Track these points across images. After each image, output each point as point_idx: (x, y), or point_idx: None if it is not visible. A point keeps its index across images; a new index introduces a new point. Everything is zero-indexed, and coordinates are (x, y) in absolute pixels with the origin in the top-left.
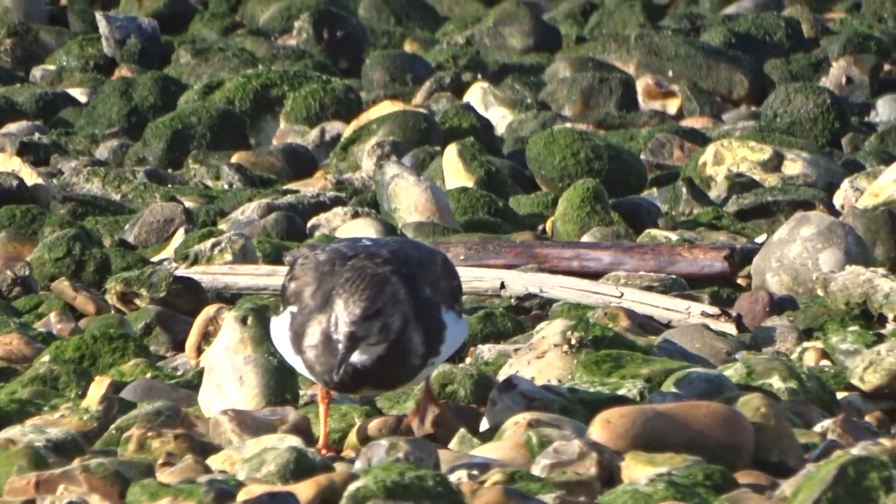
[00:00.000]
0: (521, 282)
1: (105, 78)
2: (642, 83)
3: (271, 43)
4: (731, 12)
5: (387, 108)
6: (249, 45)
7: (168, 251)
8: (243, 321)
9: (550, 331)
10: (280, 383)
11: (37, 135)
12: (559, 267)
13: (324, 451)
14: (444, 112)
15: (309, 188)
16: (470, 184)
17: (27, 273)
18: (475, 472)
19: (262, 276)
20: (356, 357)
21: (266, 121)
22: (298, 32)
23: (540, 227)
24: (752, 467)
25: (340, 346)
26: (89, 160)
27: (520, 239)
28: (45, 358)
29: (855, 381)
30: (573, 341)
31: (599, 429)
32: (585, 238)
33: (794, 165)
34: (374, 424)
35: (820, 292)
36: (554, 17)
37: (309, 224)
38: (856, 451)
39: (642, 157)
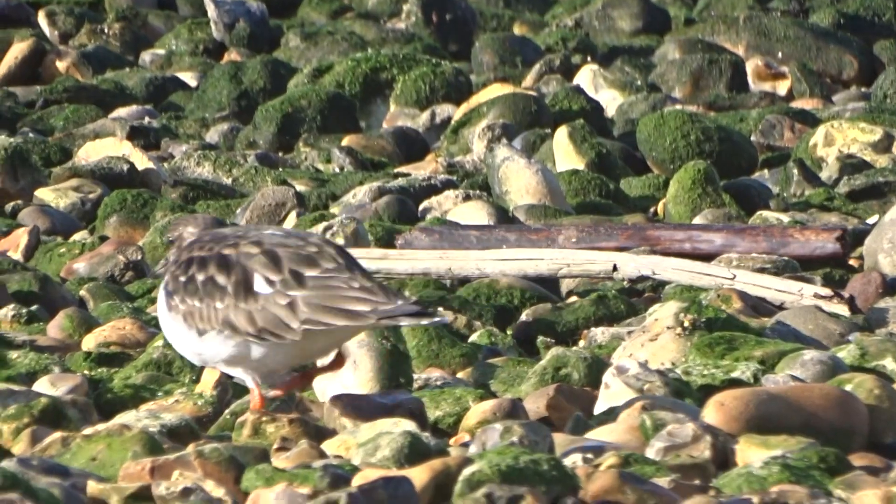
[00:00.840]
0: (634, 264)
1: (214, 62)
2: (752, 64)
3: (380, 26)
4: None
5: (497, 90)
6: (358, 29)
7: None
8: None
9: (663, 313)
10: (394, 367)
11: (147, 119)
12: (671, 249)
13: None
14: (553, 94)
15: (420, 171)
16: (581, 166)
17: (139, 257)
18: (589, 456)
19: (375, 260)
20: None
21: (376, 104)
22: (407, 15)
23: (651, 210)
24: (866, 449)
25: None
26: (200, 144)
27: (631, 221)
28: (159, 343)
29: None
30: (686, 324)
31: (713, 411)
32: (697, 220)
33: None
34: (487, 407)
35: None
36: (663, 0)
37: (420, 207)
38: None
39: (753, 138)
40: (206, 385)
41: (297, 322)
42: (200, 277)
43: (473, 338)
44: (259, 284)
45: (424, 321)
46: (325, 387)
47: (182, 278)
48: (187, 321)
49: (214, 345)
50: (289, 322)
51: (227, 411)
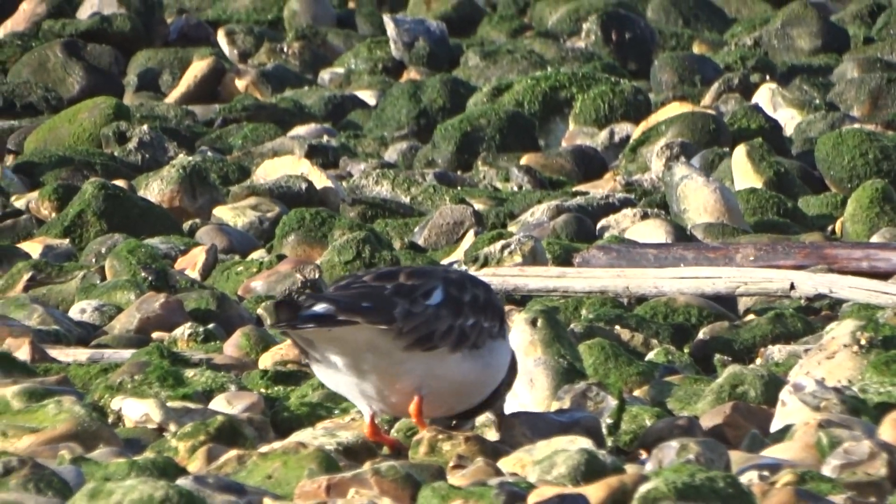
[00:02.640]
0: (811, 282)
1: (393, 80)
2: None
3: (560, 45)
4: None
5: (675, 109)
6: (538, 47)
7: (458, 253)
8: (533, 323)
9: (840, 331)
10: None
11: (325, 137)
12: (849, 267)
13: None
14: (732, 113)
15: (598, 189)
16: (759, 185)
17: (317, 276)
18: (766, 473)
19: (552, 278)
20: None
21: (555, 122)
22: (587, 34)
23: (829, 228)
24: None
25: None
26: (378, 163)
27: (809, 239)
28: None
29: None
30: (863, 342)
31: (890, 429)
32: (875, 238)
33: None
34: (663, 425)
35: None
36: (842, 18)
37: (598, 225)
38: None
39: None
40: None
41: None
42: None
43: (650, 356)
44: None
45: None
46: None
47: None
48: None
49: None
50: None
51: (396, 428)
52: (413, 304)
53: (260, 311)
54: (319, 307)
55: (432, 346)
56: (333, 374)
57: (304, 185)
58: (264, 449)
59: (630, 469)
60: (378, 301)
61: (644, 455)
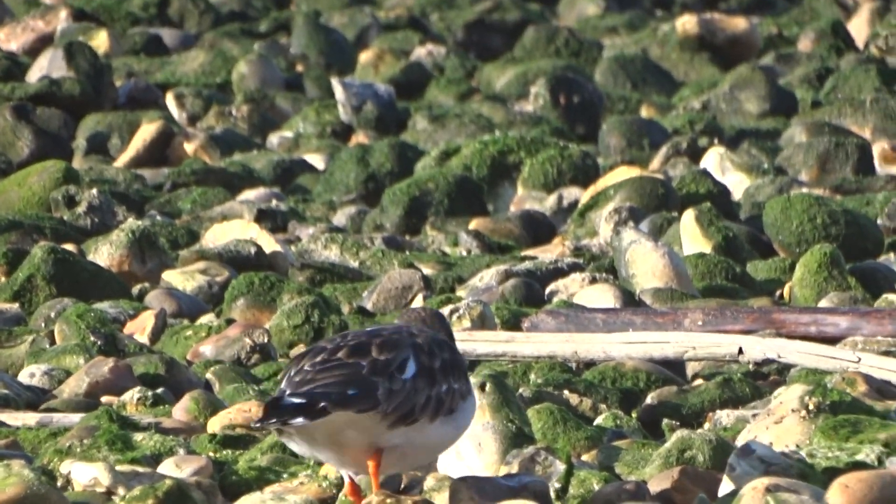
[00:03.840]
0: (760, 347)
1: (342, 144)
2: (878, 147)
3: (508, 108)
4: None
5: (624, 173)
6: (486, 111)
7: None
8: (482, 388)
9: (788, 396)
10: (519, 449)
11: (274, 202)
12: (797, 332)
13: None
14: (681, 177)
15: (547, 254)
16: (707, 249)
17: (266, 340)
18: None
19: (501, 343)
20: None
21: (503, 186)
22: (535, 98)
23: (777, 293)
24: None
25: None
26: (327, 227)
27: (757, 304)
28: None
29: None
30: (811, 406)
31: (838, 494)
32: (823, 303)
33: None
34: (611, 490)
35: None
36: (790, 82)
37: (547, 290)
38: None
39: (879, 221)
40: (331, 468)
41: None
42: None
43: (599, 420)
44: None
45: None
46: (449, 468)
47: None
48: None
49: None
50: None
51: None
52: (392, 382)
53: (209, 375)
54: (298, 399)
55: (414, 419)
56: (309, 449)
57: (253, 250)
58: None
59: None
60: (361, 386)
61: None
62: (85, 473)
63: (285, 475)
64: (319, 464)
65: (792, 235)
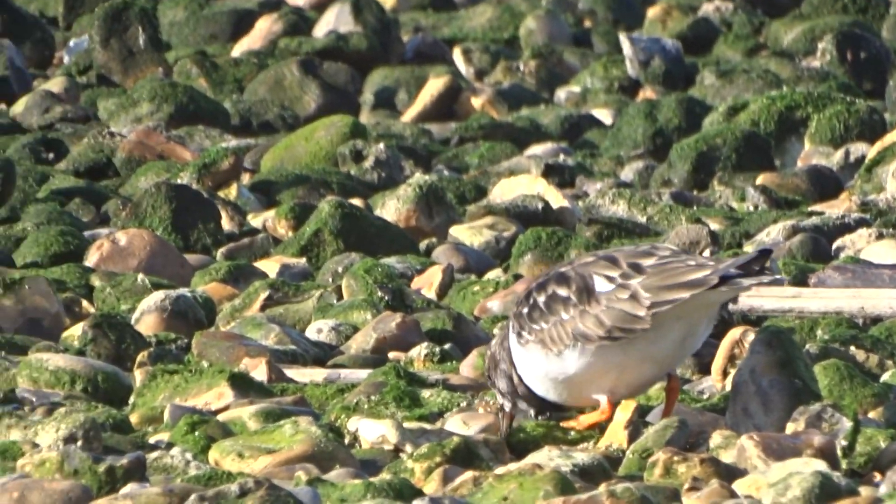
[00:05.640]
0: None
1: (629, 99)
2: None
3: (795, 64)
4: None
5: None
6: (774, 67)
7: None
8: (769, 344)
9: None
10: (805, 405)
11: (562, 156)
12: None
13: None
14: None
15: (834, 209)
16: None
17: None
18: None
19: (788, 299)
20: None
21: (791, 142)
22: (822, 54)
23: None
24: None
25: None
26: (614, 182)
27: None
28: None
29: None
30: None
31: None
32: None
33: None
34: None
35: None
36: None
37: (834, 246)
38: None
39: None
40: (619, 425)
41: (642, 309)
42: (542, 299)
43: (885, 377)
44: (600, 285)
45: (765, 279)
46: (737, 426)
47: (525, 309)
48: (545, 346)
49: (572, 360)
50: (635, 312)
51: (630, 450)
52: None
53: (496, 331)
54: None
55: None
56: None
57: (540, 205)
58: (500, 470)
59: (864, 491)
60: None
61: (878, 477)
62: (372, 430)
63: (573, 433)
64: (608, 421)
65: None
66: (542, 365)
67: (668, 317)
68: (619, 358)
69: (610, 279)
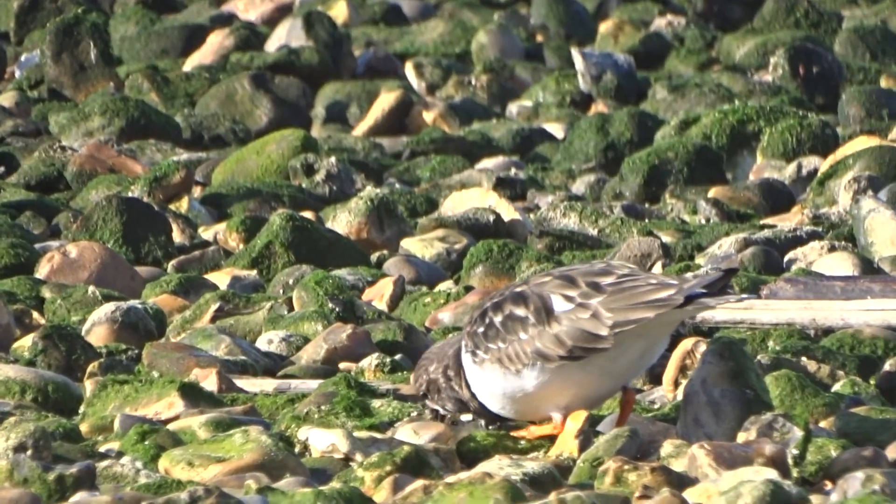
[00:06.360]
0: None
1: (581, 113)
2: None
3: (747, 78)
4: None
5: (863, 143)
6: (726, 81)
7: None
8: (721, 355)
9: None
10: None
11: (513, 170)
12: None
13: None
14: None
15: (786, 222)
16: None
17: None
18: None
19: (739, 310)
20: None
21: (742, 156)
22: (774, 68)
23: None
24: None
25: None
26: (566, 195)
27: None
28: None
29: None
30: None
31: None
32: None
33: None
34: (848, 457)
35: None
36: None
37: (786, 258)
38: None
39: None
40: (569, 434)
41: (605, 329)
42: (498, 319)
43: (836, 387)
44: (558, 304)
45: (731, 298)
46: (687, 436)
47: (480, 329)
48: (503, 364)
49: (531, 379)
50: (597, 331)
51: (581, 458)
52: None
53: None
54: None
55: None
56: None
57: (491, 217)
58: (450, 479)
59: (815, 500)
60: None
61: (829, 486)
62: (323, 439)
63: (522, 442)
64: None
65: None
66: (498, 383)
67: (630, 335)
68: (578, 375)
69: (568, 298)
